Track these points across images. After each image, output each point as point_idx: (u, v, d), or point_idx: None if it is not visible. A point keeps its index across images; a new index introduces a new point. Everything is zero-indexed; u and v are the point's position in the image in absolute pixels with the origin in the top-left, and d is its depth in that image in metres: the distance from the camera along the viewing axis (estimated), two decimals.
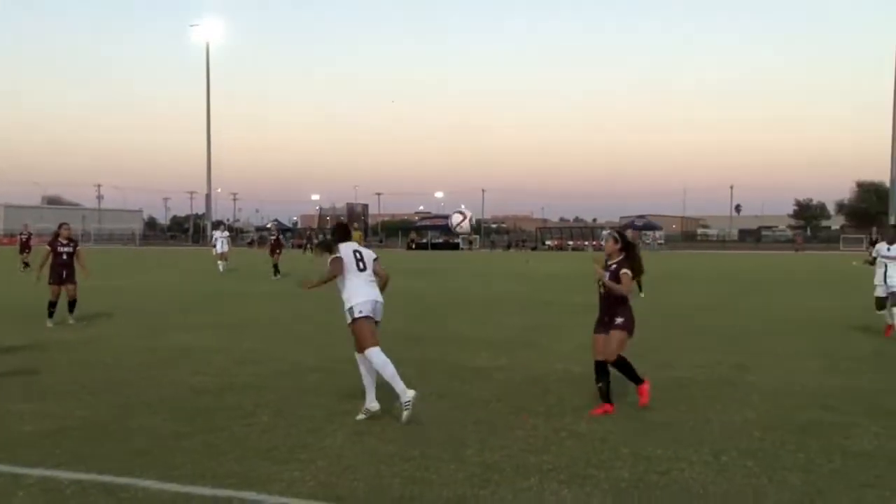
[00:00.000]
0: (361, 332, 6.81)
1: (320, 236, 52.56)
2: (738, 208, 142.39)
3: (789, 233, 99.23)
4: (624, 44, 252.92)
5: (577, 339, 11.68)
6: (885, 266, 11.74)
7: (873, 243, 46.81)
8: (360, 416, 6.77)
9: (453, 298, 19.18)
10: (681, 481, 5.15)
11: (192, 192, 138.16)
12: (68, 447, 5.91)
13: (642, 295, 18.73)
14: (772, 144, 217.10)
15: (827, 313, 15.35)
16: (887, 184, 77.58)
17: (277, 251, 27.00)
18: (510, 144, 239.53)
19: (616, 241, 7.24)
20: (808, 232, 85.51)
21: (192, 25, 76.44)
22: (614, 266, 7.12)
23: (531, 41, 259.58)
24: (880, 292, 11.94)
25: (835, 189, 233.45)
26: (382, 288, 7.12)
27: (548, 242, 76.87)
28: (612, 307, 7.12)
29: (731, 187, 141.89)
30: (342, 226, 7.51)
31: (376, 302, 6.88)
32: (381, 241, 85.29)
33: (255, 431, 6.40)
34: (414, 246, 71.74)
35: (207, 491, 4.96)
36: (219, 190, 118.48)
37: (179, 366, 9.35)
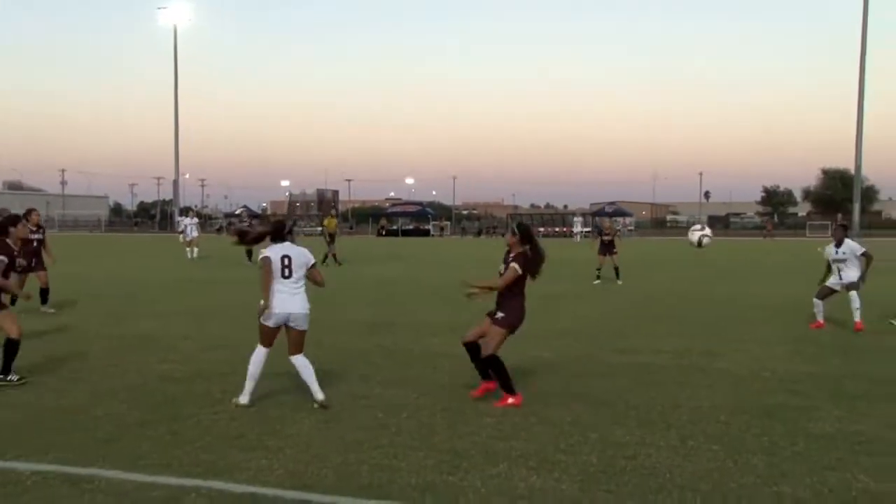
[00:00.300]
0: (261, 332, 6.73)
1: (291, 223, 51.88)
2: (707, 195, 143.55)
3: (757, 219, 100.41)
4: (595, 32, 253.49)
5: (546, 325, 11.74)
6: (839, 270, 11.46)
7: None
8: (315, 406, 6.70)
9: (424, 285, 19.16)
10: (648, 466, 5.20)
11: (159, 178, 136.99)
12: (31, 437, 5.82)
13: (620, 282, 18.91)
14: (740, 131, 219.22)
15: (794, 300, 15.54)
16: (852, 171, 78.84)
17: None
18: (482, 131, 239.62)
19: (514, 234, 7.07)
20: (776, 218, 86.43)
21: (159, 8, 74.91)
22: (511, 259, 6.94)
23: (501, 28, 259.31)
24: (833, 285, 11.59)
25: (801, 176, 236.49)
26: (321, 284, 6.93)
27: None
28: (500, 300, 6.98)
29: (701, 174, 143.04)
30: (279, 225, 7.05)
31: (290, 314, 6.65)
32: (351, 228, 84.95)
33: (223, 419, 6.34)
34: (384, 232, 71.51)
35: (173, 480, 4.90)
36: (186, 176, 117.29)
37: (147, 353, 9.24)
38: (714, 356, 9.16)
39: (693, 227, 11.87)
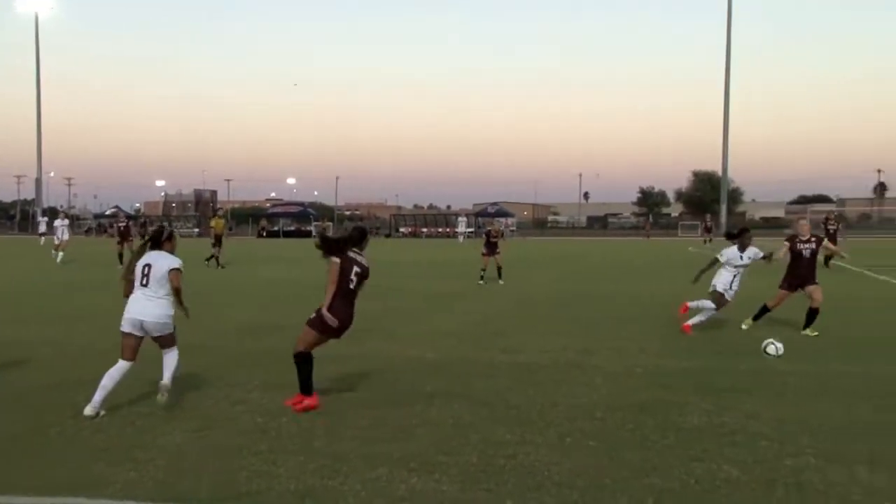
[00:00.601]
0: (122, 341, 6.58)
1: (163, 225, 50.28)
2: (586, 196, 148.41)
3: (633, 219, 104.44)
4: (473, 30, 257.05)
5: (430, 326, 11.79)
6: (734, 274, 10.95)
7: (707, 230, 49.69)
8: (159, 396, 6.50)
9: (307, 287, 18.86)
10: (527, 464, 5.27)
11: (20, 177, 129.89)
12: None
13: (502, 282, 19.23)
14: (618, 133, 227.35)
15: (668, 298, 16.20)
16: (720, 174, 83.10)
17: (128, 239, 25.56)
18: (366, 131, 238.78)
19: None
20: (651, 219, 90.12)
21: None
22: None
23: (383, 26, 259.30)
24: (722, 292, 11.03)
25: (675, 178, 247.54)
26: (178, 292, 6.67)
27: (402, 229, 77.15)
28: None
29: (580, 175, 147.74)
30: (157, 233, 6.93)
31: (142, 322, 6.48)
32: (230, 229, 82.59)
33: (88, 430, 6.02)
34: (265, 234, 70.10)
35: (30, 501, 4.60)
36: (51, 174, 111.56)
37: (6, 361, 8.66)
38: (591, 354, 9.42)
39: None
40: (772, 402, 6.91)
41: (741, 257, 10.95)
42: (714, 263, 11.13)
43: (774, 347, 8.96)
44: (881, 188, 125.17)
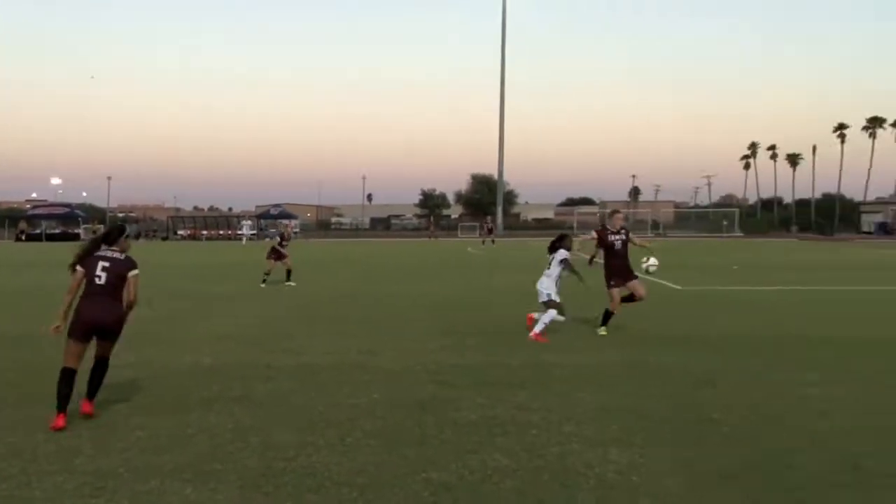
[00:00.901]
0: None
1: None
2: (370, 198, 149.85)
3: (415, 221, 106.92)
4: (259, 36, 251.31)
5: (207, 329, 11.38)
6: (558, 279, 10.77)
7: (489, 231, 51.92)
8: None
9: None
10: (307, 466, 5.25)
11: None
12: None
13: (293, 284, 19.00)
14: (400, 135, 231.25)
15: (448, 297, 16.77)
16: (496, 176, 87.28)
17: None
18: (140, 130, 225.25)
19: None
20: (433, 220, 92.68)
21: None
22: None
23: (146, 20, 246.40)
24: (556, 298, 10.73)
25: (455, 181, 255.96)
26: None
27: (180, 232, 73.72)
28: None
29: (364, 178, 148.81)
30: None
31: None
32: None
33: None
34: (24, 237, 64.14)
35: None
36: None
37: None
38: (374, 354, 9.53)
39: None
40: (540, 394, 7.36)
41: (559, 262, 10.72)
42: (595, 257, 11.26)
43: (648, 265, 9.94)
44: (635, 192, 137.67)
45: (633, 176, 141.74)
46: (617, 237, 11.08)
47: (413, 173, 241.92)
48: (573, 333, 10.90)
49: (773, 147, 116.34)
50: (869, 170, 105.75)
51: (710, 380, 7.98)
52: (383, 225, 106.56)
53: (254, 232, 62.18)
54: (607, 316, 10.96)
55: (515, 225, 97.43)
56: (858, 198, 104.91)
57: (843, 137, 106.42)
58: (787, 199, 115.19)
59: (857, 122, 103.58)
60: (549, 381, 8.00)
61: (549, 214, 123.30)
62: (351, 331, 11.52)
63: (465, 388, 7.65)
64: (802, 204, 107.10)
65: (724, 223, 79.00)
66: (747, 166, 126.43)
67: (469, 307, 14.66)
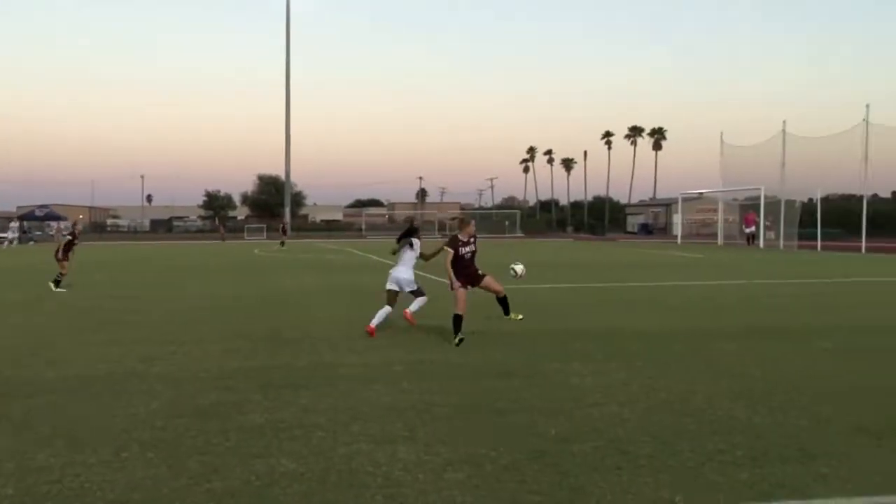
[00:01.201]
0: None
1: None
2: (149, 198, 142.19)
3: (199, 223, 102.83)
4: (22, 27, 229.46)
5: None
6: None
7: (284, 232, 51.04)
8: None
9: None
10: (75, 487, 4.84)
11: None
12: None
13: (61, 290, 17.63)
14: (182, 134, 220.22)
15: (234, 300, 16.26)
16: (284, 178, 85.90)
17: None
18: None
19: None
20: (217, 222, 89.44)
21: None
22: None
23: None
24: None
25: (241, 181, 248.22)
26: None
27: None
28: None
29: (143, 177, 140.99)
30: None
31: None
32: None
33: None
34: None
35: None
36: None
37: None
38: (153, 361, 9.03)
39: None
40: (327, 394, 7.32)
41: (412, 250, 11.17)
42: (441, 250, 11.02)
43: (515, 270, 9.91)
44: (422, 193, 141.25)
45: (420, 178, 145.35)
46: (468, 249, 10.58)
47: (196, 174, 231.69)
48: (358, 332, 10.94)
49: (549, 152, 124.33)
50: (632, 174, 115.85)
51: (495, 374, 8.33)
52: (165, 227, 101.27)
53: (16, 235, 56.75)
54: (457, 321, 10.19)
55: (304, 226, 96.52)
56: (625, 200, 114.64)
57: (609, 144, 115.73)
58: (564, 201, 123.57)
59: (620, 131, 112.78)
60: (335, 381, 7.98)
61: (338, 216, 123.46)
62: (128, 337, 10.83)
63: (250, 391, 7.44)
64: (577, 206, 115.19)
65: (507, 223, 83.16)
66: (526, 170, 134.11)
67: (255, 309, 14.31)
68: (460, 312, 10.16)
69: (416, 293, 11.20)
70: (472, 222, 10.93)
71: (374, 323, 10.83)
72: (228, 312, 13.90)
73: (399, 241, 11.29)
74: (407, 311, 11.17)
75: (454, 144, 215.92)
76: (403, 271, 11.12)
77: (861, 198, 41.44)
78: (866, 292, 18.25)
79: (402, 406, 6.90)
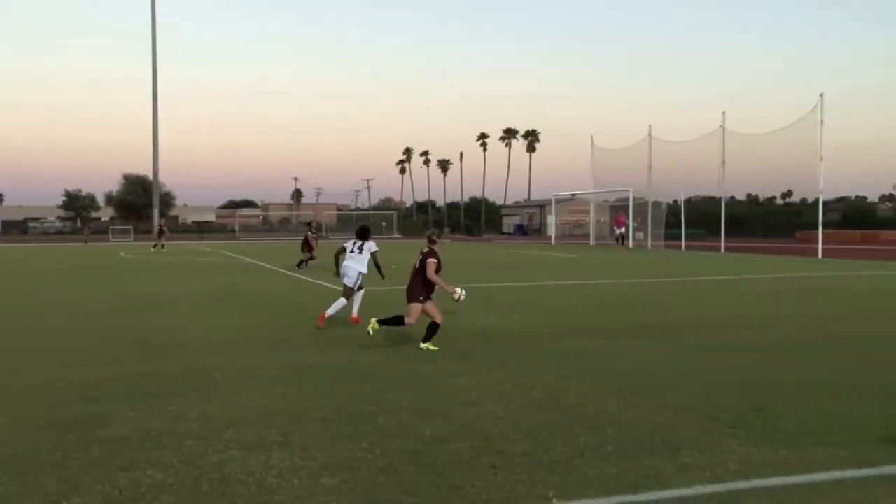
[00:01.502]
0: None
1: None
2: (0, 198, 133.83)
3: (59, 224, 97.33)
4: None
5: None
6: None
7: (161, 233, 49.04)
8: None
9: None
10: None
11: None
12: None
13: None
14: (38, 130, 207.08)
15: (98, 305, 15.48)
16: (151, 177, 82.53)
17: None
18: None
19: None
20: (80, 223, 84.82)
21: None
22: None
23: None
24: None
25: (105, 181, 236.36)
26: None
27: None
28: None
29: None
30: None
31: None
32: None
33: None
34: None
35: None
36: None
37: None
38: (9, 372, 8.46)
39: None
40: (199, 401, 7.05)
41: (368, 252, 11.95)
42: (343, 252, 11.91)
43: (460, 294, 9.89)
44: (298, 194, 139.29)
45: (296, 178, 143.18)
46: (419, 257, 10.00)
47: (54, 172, 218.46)
48: (232, 336, 10.67)
49: (426, 153, 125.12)
50: (507, 176, 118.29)
51: (369, 376, 8.28)
52: (19, 228, 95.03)
53: None
54: (431, 329, 9.83)
55: (175, 227, 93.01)
56: (500, 201, 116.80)
57: (485, 146, 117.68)
58: (441, 202, 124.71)
59: (496, 133, 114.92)
60: (208, 387, 7.71)
61: (211, 217, 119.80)
62: None
63: (116, 401, 7.07)
64: (453, 207, 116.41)
65: (384, 224, 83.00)
66: (403, 170, 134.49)
67: (120, 315, 13.64)
68: (409, 323, 9.74)
69: (347, 292, 11.76)
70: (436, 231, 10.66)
71: (342, 313, 11.57)
72: (91, 318, 13.20)
73: (358, 237, 12.03)
74: (352, 315, 11.88)
75: (330, 145, 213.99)
76: (354, 266, 11.85)
77: (720, 200, 43.75)
78: (727, 291, 19.33)
79: (276, 410, 6.74)
